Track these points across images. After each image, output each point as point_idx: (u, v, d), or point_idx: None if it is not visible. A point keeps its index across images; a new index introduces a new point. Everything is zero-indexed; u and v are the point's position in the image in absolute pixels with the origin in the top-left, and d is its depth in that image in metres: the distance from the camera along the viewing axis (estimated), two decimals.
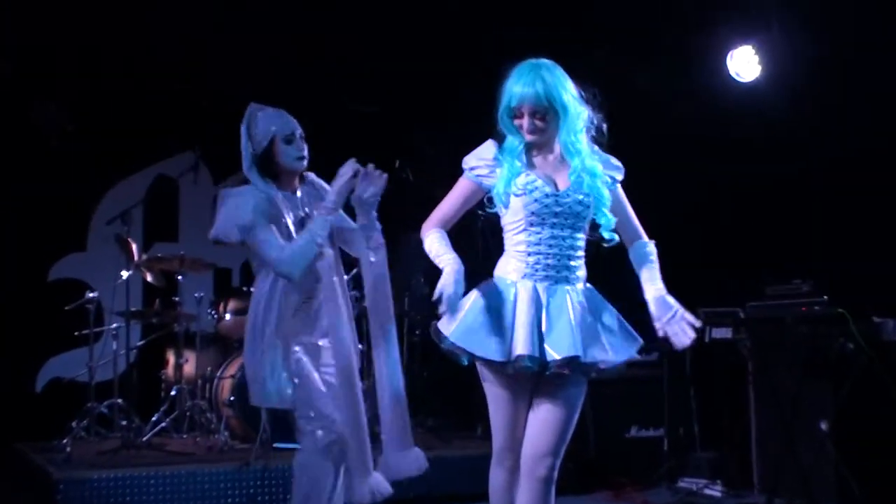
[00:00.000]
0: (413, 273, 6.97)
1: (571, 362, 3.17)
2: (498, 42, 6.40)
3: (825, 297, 5.31)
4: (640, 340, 3.37)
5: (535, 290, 3.25)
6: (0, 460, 5.94)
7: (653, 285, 3.40)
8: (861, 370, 5.02)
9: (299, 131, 3.85)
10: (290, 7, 6.51)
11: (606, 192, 3.32)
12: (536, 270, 3.27)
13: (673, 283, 6.38)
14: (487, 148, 3.36)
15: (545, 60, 3.30)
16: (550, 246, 3.28)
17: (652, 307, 3.36)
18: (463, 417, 6.78)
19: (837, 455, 5.09)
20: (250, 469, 5.30)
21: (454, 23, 6.65)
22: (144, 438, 5.89)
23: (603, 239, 3.36)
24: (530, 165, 3.33)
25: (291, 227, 3.77)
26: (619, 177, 3.40)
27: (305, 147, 3.86)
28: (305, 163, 3.86)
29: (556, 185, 3.30)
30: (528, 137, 3.30)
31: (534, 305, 3.23)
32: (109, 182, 7.36)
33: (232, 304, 6.60)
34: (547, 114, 3.25)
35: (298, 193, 3.89)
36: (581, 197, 3.28)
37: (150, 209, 7.39)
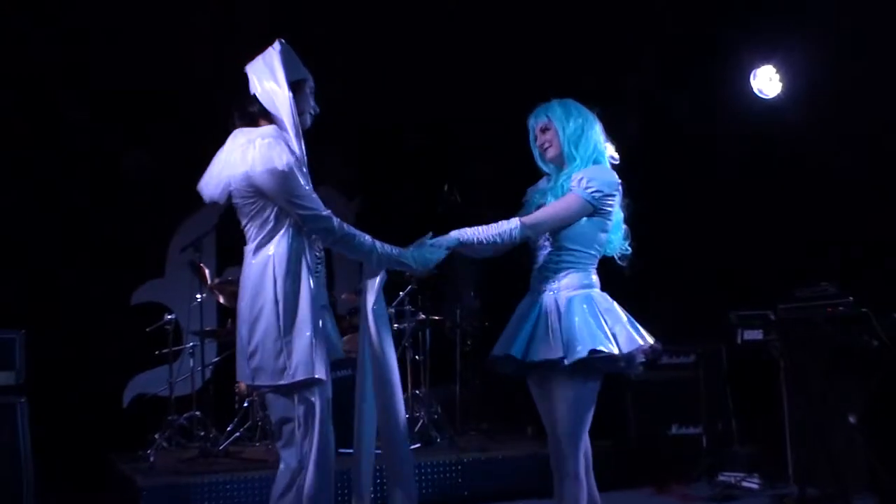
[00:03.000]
0: (464, 288, 7.02)
1: (510, 360, 3.38)
2: (537, 68, 6.44)
3: (850, 297, 5.26)
4: (608, 345, 3.29)
5: (525, 301, 3.50)
6: (91, 469, 6.03)
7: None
8: (886, 365, 4.97)
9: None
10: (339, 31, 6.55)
11: (580, 206, 3.42)
12: (532, 284, 3.51)
13: (707, 287, 6.38)
14: (541, 181, 3.62)
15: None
16: (538, 265, 3.49)
17: None
18: (514, 421, 6.79)
19: (867, 446, 5.03)
20: None
21: (497, 50, 6.68)
22: (220, 447, 5.96)
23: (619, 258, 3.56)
24: (545, 195, 3.52)
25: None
26: (576, 188, 3.38)
27: None
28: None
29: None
30: (545, 155, 3.50)
31: (518, 314, 3.49)
32: (184, 213, 7.49)
33: None
34: (548, 127, 3.48)
35: None
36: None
37: (221, 236, 7.50)
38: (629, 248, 3.58)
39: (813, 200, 5.93)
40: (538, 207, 3.48)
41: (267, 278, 3.18)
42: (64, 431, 5.93)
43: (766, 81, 6.16)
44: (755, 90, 6.20)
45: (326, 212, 3.23)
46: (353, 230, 3.29)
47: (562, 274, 3.41)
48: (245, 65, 3.29)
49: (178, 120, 6.86)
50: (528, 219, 3.40)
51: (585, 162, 3.43)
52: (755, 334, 5.73)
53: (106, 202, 6.94)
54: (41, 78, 6.50)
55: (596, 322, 3.32)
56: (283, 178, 3.13)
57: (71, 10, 6.11)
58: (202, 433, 6.13)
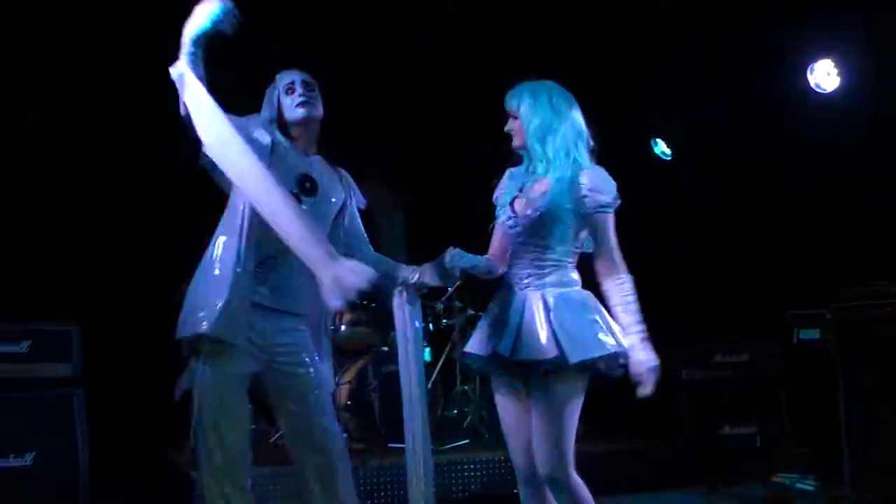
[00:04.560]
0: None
1: (496, 358, 3.28)
2: (581, 59, 6.46)
3: None
4: (603, 348, 3.22)
5: (502, 298, 3.38)
6: (144, 461, 6.17)
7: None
8: None
9: (301, 78, 3.49)
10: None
11: (560, 208, 3.30)
12: (509, 280, 3.40)
13: (762, 285, 6.36)
14: (503, 177, 3.54)
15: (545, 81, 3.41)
16: (517, 260, 3.38)
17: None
18: None
19: None
20: (367, 467, 5.46)
21: (547, 43, 6.71)
22: (272, 440, 6.07)
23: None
24: (522, 189, 3.42)
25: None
26: (606, 204, 3.31)
27: (311, 94, 3.48)
28: (307, 109, 3.45)
29: (526, 206, 3.36)
30: (513, 144, 3.42)
31: (495, 311, 3.38)
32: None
33: (348, 317, 6.78)
34: (516, 115, 3.37)
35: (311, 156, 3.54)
36: (530, 213, 3.33)
37: None
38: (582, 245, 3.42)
39: (871, 197, 5.89)
40: (513, 200, 3.40)
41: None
42: (118, 424, 6.06)
43: (825, 76, 6.13)
44: (812, 85, 6.17)
45: None
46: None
47: (546, 271, 3.32)
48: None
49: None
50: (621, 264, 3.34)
51: (555, 163, 3.31)
52: (811, 333, 5.71)
53: (164, 194, 7.07)
54: (95, 77, 6.65)
55: (588, 322, 3.25)
56: None
57: None
58: (253, 426, 6.20)
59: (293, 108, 3.46)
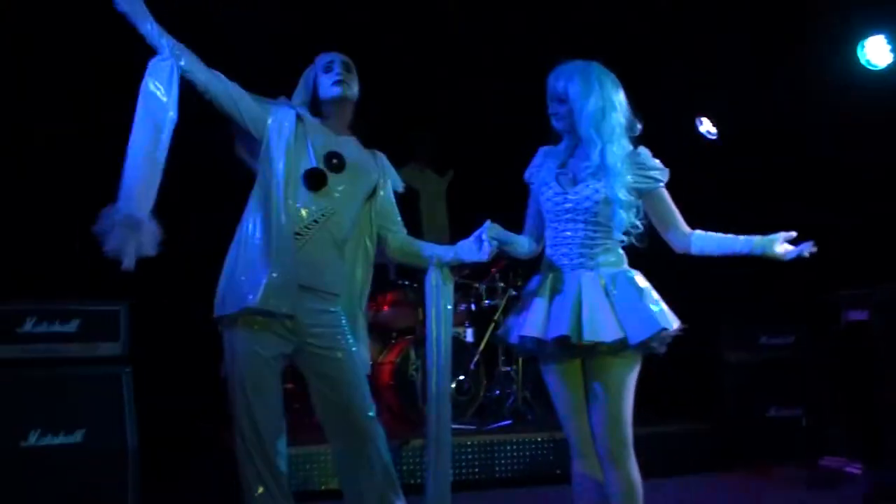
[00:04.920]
0: None
1: (562, 341, 3.26)
2: (622, 40, 6.42)
3: None
4: (658, 324, 3.24)
5: (552, 279, 3.38)
6: (192, 439, 6.25)
7: (738, 239, 3.40)
8: None
9: (340, 59, 3.59)
10: None
11: (623, 193, 3.32)
12: (556, 261, 3.40)
13: (808, 265, 6.31)
14: (536, 155, 3.55)
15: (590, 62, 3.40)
16: (565, 239, 3.38)
17: (764, 244, 3.36)
18: None
19: None
20: (409, 447, 5.50)
21: (585, 23, 6.68)
22: (315, 420, 6.12)
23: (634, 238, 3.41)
24: (564, 165, 3.43)
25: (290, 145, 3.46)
26: (661, 179, 3.38)
27: (349, 75, 3.57)
28: (342, 88, 3.55)
29: (573, 183, 3.37)
30: (555, 124, 3.42)
31: (547, 293, 3.36)
32: None
33: (390, 297, 6.83)
34: (564, 100, 3.35)
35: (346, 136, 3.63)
36: (589, 193, 3.33)
37: None
38: (641, 226, 3.41)
39: None
40: (557, 177, 3.42)
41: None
42: (165, 401, 6.15)
43: (877, 51, 6.02)
44: (863, 61, 6.07)
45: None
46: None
47: (597, 251, 3.35)
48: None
49: None
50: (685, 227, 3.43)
51: (609, 149, 3.31)
52: (860, 315, 5.64)
53: (208, 173, 7.12)
54: None
55: (646, 301, 3.29)
56: None
57: None
58: (296, 405, 6.30)
59: (329, 86, 3.54)
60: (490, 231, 3.39)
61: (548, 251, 3.46)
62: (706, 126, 7.09)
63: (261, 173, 3.48)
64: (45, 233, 6.27)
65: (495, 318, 6.61)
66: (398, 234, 3.74)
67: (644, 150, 3.40)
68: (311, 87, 3.59)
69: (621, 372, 3.28)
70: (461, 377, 6.27)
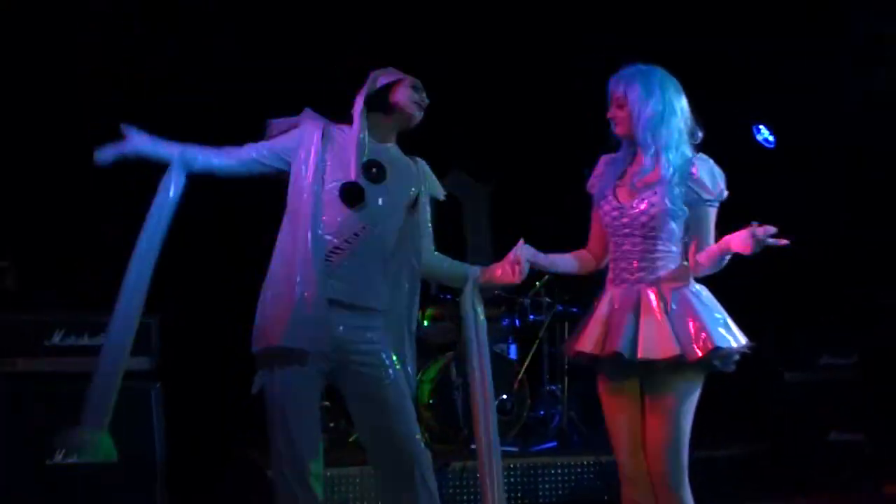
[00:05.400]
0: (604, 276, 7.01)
1: (616, 358, 3.23)
2: (664, 42, 6.39)
3: None
4: (716, 342, 3.20)
5: (612, 295, 3.36)
6: (222, 456, 6.28)
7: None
8: None
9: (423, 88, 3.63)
10: None
11: (673, 203, 3.29)
12: (616, 276, 3.39)
13: (873, 280, 6.22)
14: (597, 165, 3.54)
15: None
16: (625, 253, 3.37)
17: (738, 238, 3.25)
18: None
19: None
20: (449, 469, 5.48)
21: (629, 26, 6.66)
22: (351, 439, 6.12)
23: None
24: (623, 175, 3.42)
25: (322, 163, 3.47)
26: (708, 198, 3.33)
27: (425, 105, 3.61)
28: (421, 114, 3.60)
29: (631, 196, 3.36)
30: (614, 128, 3.40)
31: (606, 309, 3.35)
32: None
33: (430, 312, 6.82)
34: (623, 104, 3.35)
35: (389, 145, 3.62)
36: (646, 207, 3.31)
37: None
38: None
39: None
40: (614, 188, 3.41)
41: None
42: (195, 417, 6.19)
43: None
44: None
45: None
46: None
47: (659, 264, 3.32)
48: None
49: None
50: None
51: (667, 155, 3.30)
52: None
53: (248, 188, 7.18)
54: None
55: (709, 317, 3.26)
56: None
57: None
58: (332, 424, 6.30)
59: (412, 103, 3.56)
60: (521, 253, 3.41)
61: (611, 265, 3.46)
62: (765, 133, 7.02)
63: (289, 202, 3.49)
64: (74, 241, 6.34)
65: (540, 334, 6.57)
66: (427, 249, 3.71)
67: (704, 162, 3.36)
68: (382, 87, 3.56)
69: (679, 392, 3.26)
70: (504, 396, 6.23)
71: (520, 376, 6.35)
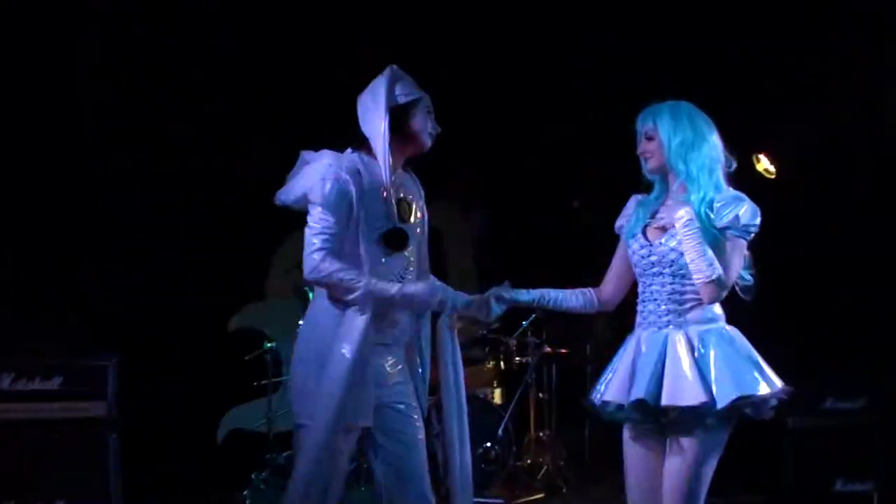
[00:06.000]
0: (596, 317, 6.97)
1: (639, 406, 3.25)
2: (669, 72, 6.41)
3: None
4: (745, 389, 3.23)
5: (639, 339, 3.40)
6: None
7: None
8: None
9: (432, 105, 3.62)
10: None
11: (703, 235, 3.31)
12: (644, 318, 3.43)
13: (882, 318, 6.20)
14: (628, 204, 3.60)
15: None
16: (653, 294, 3.41)
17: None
18: None
19: None
20: None
21: (623, 53, 6.68)
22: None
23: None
24: (654, 216, 3.47)
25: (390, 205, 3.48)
26: (728, 227, 3.33)
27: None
28: (432, 141, 3.63)
29: (661, 235, 3.39)
30: (646, 166, 3.46)
31: (632, 353, 3.38)
32: (288, 228, 7.63)
33: None
34: (653, 136, 3.41)
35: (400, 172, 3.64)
36: (675, 244, 3.34)
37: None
38: (750, 278, 3.44)
39: None
40: (645, 226, 3.46)
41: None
42: (155, 467, 6.11)
43: None
44: None
45: (317, 255, 3.37)
46: (350, 277, 3.37)
47: (687, 306, 3.35)
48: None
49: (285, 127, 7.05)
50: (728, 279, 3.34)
51: (700, 181, 3.35)
52: None
53: (202, 218, 7.14)
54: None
55: (740, 362, 3.28)
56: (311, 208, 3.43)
57: None
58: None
59: (427, 133, 3.58)
60: (499, 293, 3.50)
61: (638, 307, 3.49)
62: (765, 163, 7.03)
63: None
64: (26, 281, 6.28)
65: (527, 377, 6.52)
66: (425, 273, 3.71)
67: (738, 194, 3.39)
68: (400, 103, 3.52)
69: (702, 438, 3.27)
70: (488, 444, 6.16)
71: (504, 422, 6.29)
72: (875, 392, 6.17)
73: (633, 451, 3.45)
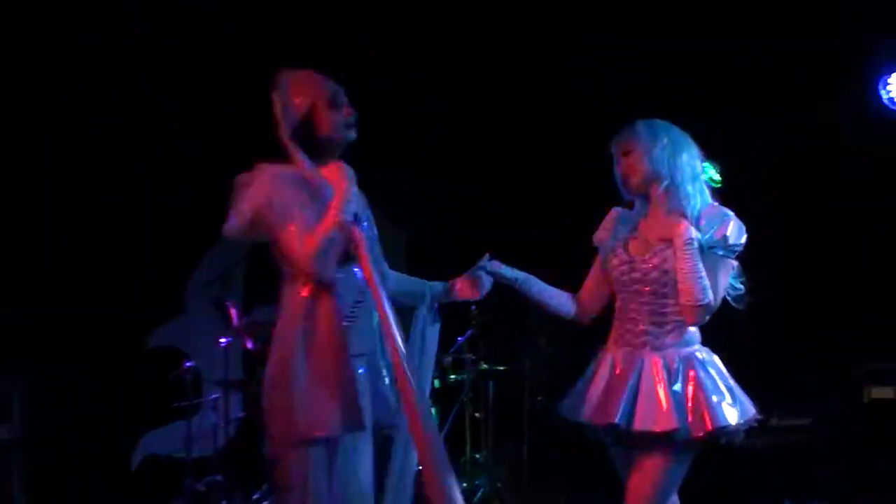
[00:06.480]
0: (535, 332, 6.99)
1: (611, 429, 3.36)
2: (625, 88, 6.45)
3: None
4: (719, 421, 3.33)
5: (614, 357, 3.47)
6: None
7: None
8: None
9: (343, 91, 3.47)
10: None
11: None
12: (620, 336, 3.49)
13: (827, 333, 6.29)
14: (608, 216, 3.66)
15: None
16: (631, 311, 3.46)
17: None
18: (593, 490, 6.71)
19: None
20: None
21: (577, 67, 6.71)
22: None
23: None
24: (636, 230, 3.53)
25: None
26: (713, 245, 3.40)
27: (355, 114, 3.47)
28: (355, 130, 3.46)
29: (643, 251, 3.45)
30: (628, 183, 3.50)
31: (607, 374, 3.46)
32: (209, 240, 7.55)
33: None
34: (630, 150, 3.46)
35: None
36: (658, 262, 3.39)
37: (252, 270, 7.51)
38: (742, 287, 3.52)
39: None
40: (626, 242, 3.50)
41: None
42: (65, 494, 6.01)
43: None
44: (886, 101, 6.11)
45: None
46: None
47: (667, 328, 3.41)
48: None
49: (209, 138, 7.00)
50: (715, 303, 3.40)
51: (685, 189, 3.43)
52: (888, 392, 5.62)
53: (117, 228, 7.03)
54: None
55: (716, 390, 3.36)
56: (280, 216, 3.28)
57: None
58: (224, 502, 6.14)
59: (344, 127, 3.44)
60: (491, 266, 3.55)
61: (615, 324, 3.54)
62: (710, 173, 7.10)
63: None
64: None
65: (462, 396, 6.50)
66: (386, 271, 3.68)
67: (718, 211, 3.45)
68: (306, 121, 3.40)
69: (670, 456, 3.35)
70: (419, 467, 6.11)
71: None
72: (820, 411, 6.25)
73: (621, 465, 3.55)
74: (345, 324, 3.31)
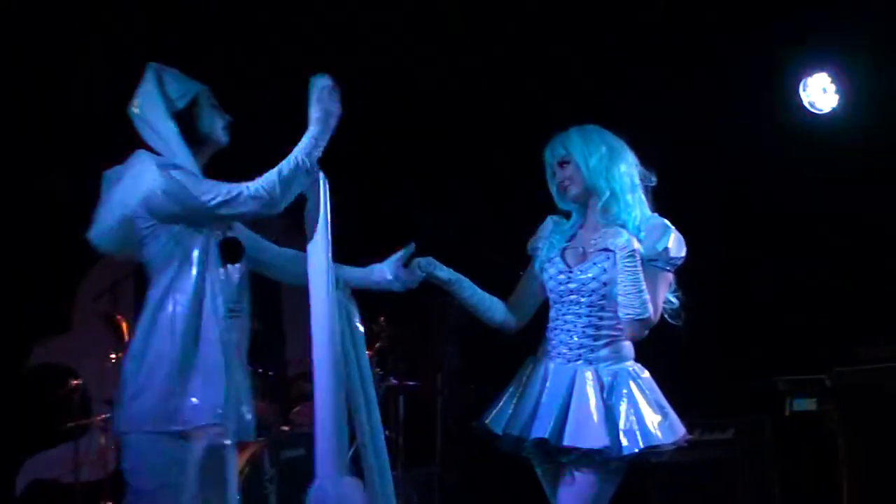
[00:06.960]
0: (447, 344, 6.97)
1: (541, 444, 3.36)
2: (554, 88, 6.48)
3: None
4: (649, 440, 3.36)
5: (546, 369, 3.48)
6: None
7: None
8: None
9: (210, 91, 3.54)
10: None
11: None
12: (553, 348, 3.51)
13: (747, 346, 6.35)
14: (544, 225, 3.69)
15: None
16: (566, 323, 3.49)
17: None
18: None
19: None
20: None
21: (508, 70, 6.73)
22: None
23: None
24: (573, 239, 3.58)
25: None
26: (655, 258, 3.43)
27: None
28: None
29: (581, 260, 3.49)
30: (567, 194, 3.54)
31: (538, 386, 3.47)
32: (97, 252, 7.41)
33: None
34: (567, 160, 3.52)
35: None
36: (596, 273, 3.43)
37: (142, 282, 7.39)
38: (677, 301, 3.56)
39: (879, 237, 5.92)
40: (563, 250, 3.54)
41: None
42: None
43: (820, 93, 6.17)
44: (805, 104, 6.21)
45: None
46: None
47: (602, 341, 3.44)
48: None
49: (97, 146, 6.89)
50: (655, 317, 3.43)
51: (624, 199, 3.45)
52: (808, 404, 5.70)
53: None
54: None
55: (648, 408, 3.38)
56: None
57: None
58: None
59: (222, 130, 3.52)
60: (428, 266, 3.57)
61: (548, 335, 3.56)
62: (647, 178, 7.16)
63: (173, 247, 3.60)
64: None
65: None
66: (275, 249, 3.70)
67: (658, 223, 3.48)
68: (182, 116, 3.43)
69: (596, 484, 3.37)
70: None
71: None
72: (741, 423, 6.32)
73: (548, 483, 3.53)
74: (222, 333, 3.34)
